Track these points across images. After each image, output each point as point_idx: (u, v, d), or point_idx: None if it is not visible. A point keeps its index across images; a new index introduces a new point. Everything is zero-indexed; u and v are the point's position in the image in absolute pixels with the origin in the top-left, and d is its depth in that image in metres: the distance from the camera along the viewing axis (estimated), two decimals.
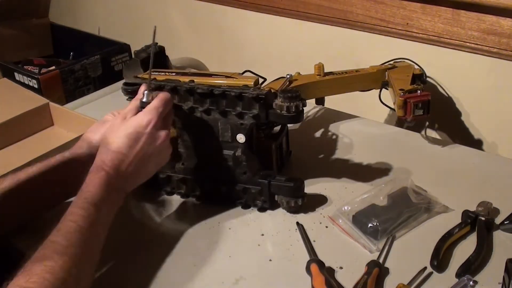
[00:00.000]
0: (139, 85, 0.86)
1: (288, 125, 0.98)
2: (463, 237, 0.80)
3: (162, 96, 0.78)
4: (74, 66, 1.53)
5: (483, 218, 0.81)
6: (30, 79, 1.48)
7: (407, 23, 1.15)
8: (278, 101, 0.81)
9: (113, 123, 0.77)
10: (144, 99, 0.78)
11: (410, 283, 0.71)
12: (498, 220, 0.82)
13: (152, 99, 0.78)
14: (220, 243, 0.83)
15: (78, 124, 1.08)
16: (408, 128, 1.11)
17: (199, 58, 1.48)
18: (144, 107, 0.77)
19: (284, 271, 0.77)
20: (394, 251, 0.79)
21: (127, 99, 0.90)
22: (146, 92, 0.78)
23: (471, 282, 0.71)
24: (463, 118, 1.16)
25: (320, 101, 1.15)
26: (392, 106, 1.06)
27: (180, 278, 0.76)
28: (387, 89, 1.09)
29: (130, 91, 0.87)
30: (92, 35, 1.83)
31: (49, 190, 0.82)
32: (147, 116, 0.75)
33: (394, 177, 0.94)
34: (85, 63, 1.55)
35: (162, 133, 0.77)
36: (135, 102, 0.80)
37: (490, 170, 0.97)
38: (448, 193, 0.89)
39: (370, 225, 0.81)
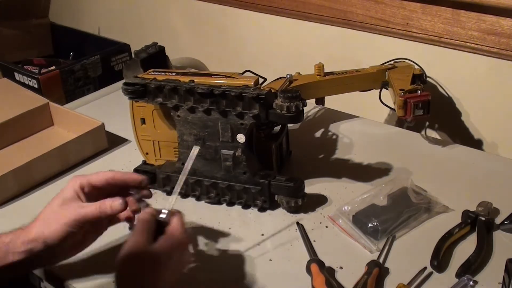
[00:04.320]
0: (140, 85, 0.86)
1: (288, 125, 0.98)
2: (463, 237, 0.80)
3: (179, 216, 0.72)
4: (74, 66, 1.53)
5: (483, 218, 0.81)
6: (30, 79, 1.47)
7: (407, 23, 1.15)
8: (278, 101, 0.81)
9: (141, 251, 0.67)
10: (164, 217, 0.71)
11: (410, 283, 0.71)
12: (498, 220, 0.83)
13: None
14: (220, 243, 0.83)
15: (78, 124, 1.07)
16: (408, 128, 1.11)
17: (199, 58, 1.48)
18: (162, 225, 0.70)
19: (284, 271, 0.77)
20: (394, 251, 0.79)
21: (128, 99, 0.90)
22: (165, 210, 0.71)
23: (471, 282, 0.71)
24: (463, 118, 1.16)
25: (320, 101, 1.15)
26: (392, 106, 1.06)
27: (180, 278, 0.76)
28: (387, 89, 1.09)
29: (130, 91, 0.87)
30: (92, 35, 1.83)
31: None
32: (186, 238, 0.70)
33: (394, 177, 0.94)
34: (85, 63, 1.55)
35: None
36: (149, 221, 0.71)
37: (490, 170, 0.97)
38: (448, 193, 0.89)
39: (370, 225, 0.81)
